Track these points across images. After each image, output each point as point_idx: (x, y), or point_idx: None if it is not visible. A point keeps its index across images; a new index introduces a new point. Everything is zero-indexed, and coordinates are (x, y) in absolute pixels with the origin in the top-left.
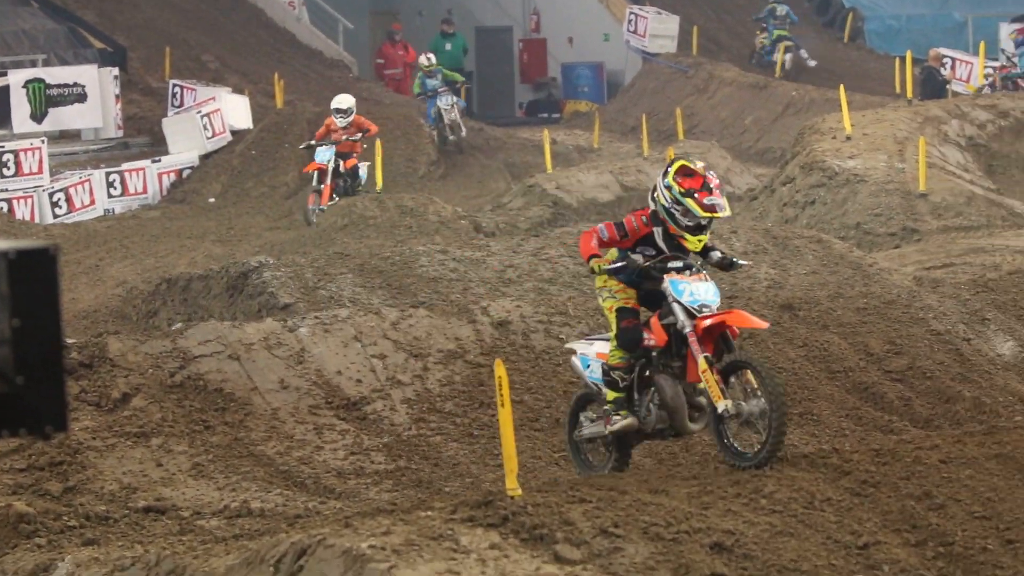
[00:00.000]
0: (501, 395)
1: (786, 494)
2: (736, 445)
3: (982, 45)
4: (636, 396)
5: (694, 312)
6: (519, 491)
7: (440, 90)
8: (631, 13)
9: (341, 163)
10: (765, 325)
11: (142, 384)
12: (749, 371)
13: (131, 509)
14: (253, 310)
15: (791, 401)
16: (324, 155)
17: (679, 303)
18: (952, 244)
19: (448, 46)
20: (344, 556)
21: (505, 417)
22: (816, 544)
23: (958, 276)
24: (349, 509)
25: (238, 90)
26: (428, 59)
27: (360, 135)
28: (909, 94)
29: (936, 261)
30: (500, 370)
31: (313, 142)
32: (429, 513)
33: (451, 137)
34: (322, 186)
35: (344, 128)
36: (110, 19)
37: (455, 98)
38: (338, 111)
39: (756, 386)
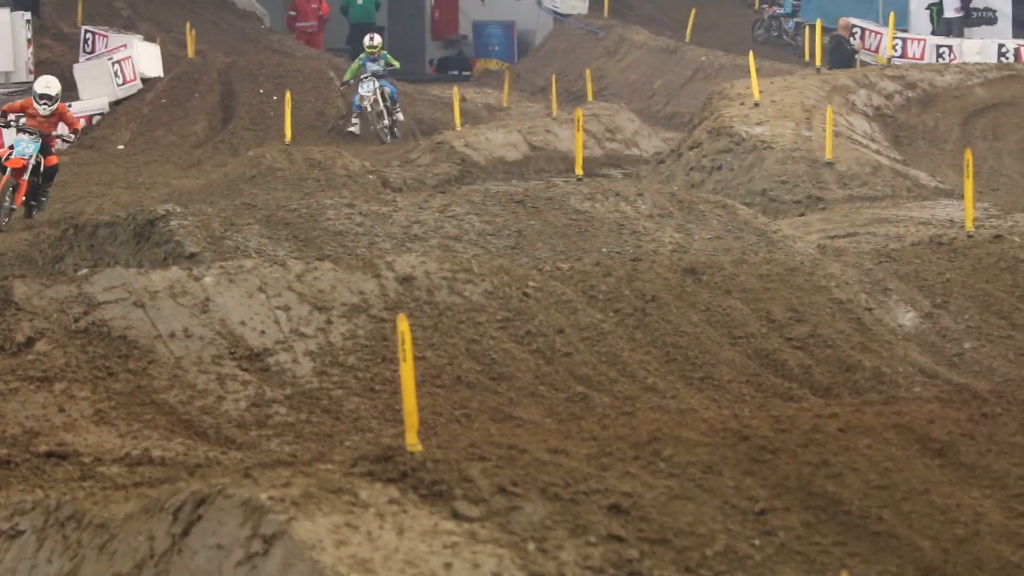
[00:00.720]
0: (403, 350)
1: (684, 458)
2: None
3: (891, 16)
4: None
5: None
6: (419, 447)
7: (362, 76)
8: None
9: (42, 160)
10: None
11: (46, 329)
12: None
13: (32, 453)
14: (159, 258)
15: (692, 366)
16: (27, 148)
17: None
18: (856, 213)
19: (360, 0)
20: (243, 507)
21: (407, 372)
22: (713, 509)
23: (861, 246)
24: (249, 460)
25: (150, 38)
26: (372, 40)
27: (71, 134)
28: (818, 62)
29: (840, 230)
30: (403, 325)
31: (11, 117)
32: (329, 466)
33: (375, 127)
34: (17, 182)
35: (46, 117)
36: None
37: (377, 83)
38: (42, 97)
39: None
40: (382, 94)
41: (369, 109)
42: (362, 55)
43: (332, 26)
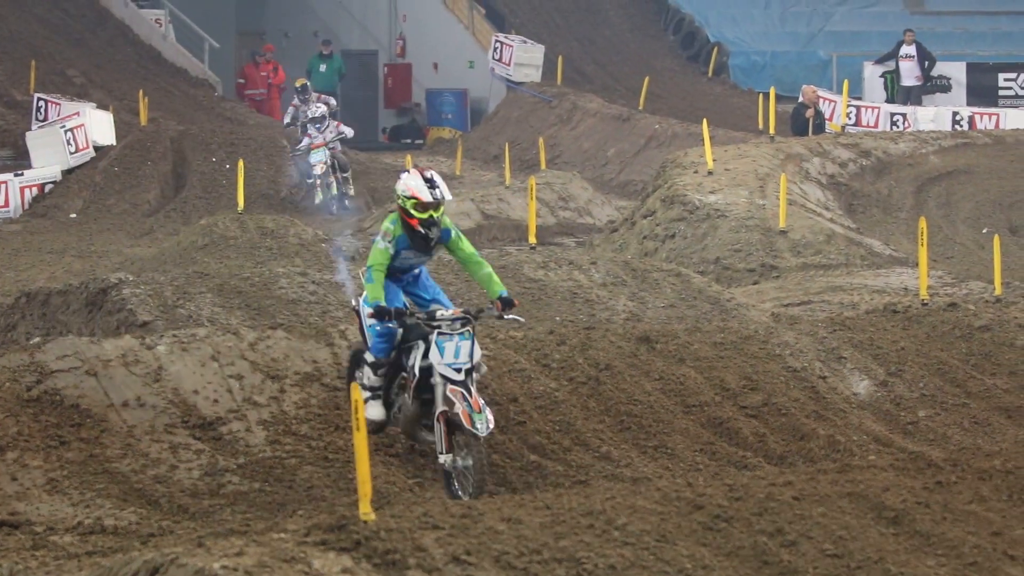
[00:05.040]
0: (356, 419)
1: (639, 527)
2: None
3: (846, 84)
4: None
5: None
6: (372, 516)
7: None
8: (496, 41)
9: None
10: None
11: None
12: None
13: None
14: (112, 327)
15: (646, 434)
16: None
17: None
18: (810, 282)
19: (323, 67)
20: None
21: (360, 441)
22: None
23: (815, 314)
24: (202, 529)
25: (102, 106)
26: None
27: None
28: (772, 130)
29: (794, 298)
30: (356, 394)
31: None
32: (282, 535)
33: None
34: None
35: None
36: None
37: None
38: None
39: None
40: None
41: None
42: None
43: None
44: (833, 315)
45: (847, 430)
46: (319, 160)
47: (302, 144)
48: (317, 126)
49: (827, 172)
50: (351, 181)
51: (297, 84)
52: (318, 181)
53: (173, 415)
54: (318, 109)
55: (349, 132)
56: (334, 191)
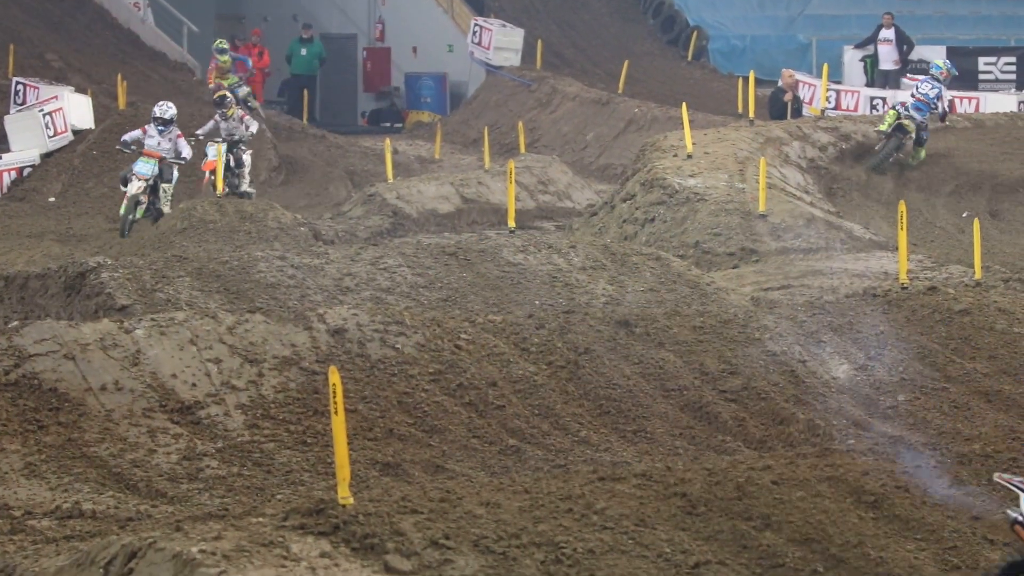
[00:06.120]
0: (335, 403)
1: (618, 511)
2: None
3: (825, 67)
4: None
5: None
6: (351, 500)
7: None
8: (475, 25)
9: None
10: None
11: None
12: None
13: None
14: (90, 311)
15: (625, 419)
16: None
17: None
18: (790, 266)
19: (304, 51)
20: (174, 560)
21: (338, 425)
22: (647, 562)
23: (795, 298)
24: (180, 513)
25: (81, 90)
26: None
27: None
28: (751, 114)
29: (774, 282)
30: (334, 378)
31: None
32: (260, 519)
33: None
34: None
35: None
36: None
37: None
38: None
39: None
40: None
41: None
42: None
43: (274, 78)
44: (813, 299)
45: (826, 414)
46: (141, 174)
47: (129, 136)
48: (160, 128)
49: (807, 156)
50: (169, 195)
51: (216, 96)
52: (128, 193)
53: (151, 399)
54: (237, 128)
55: (187, 153)
56: (139, 214)
